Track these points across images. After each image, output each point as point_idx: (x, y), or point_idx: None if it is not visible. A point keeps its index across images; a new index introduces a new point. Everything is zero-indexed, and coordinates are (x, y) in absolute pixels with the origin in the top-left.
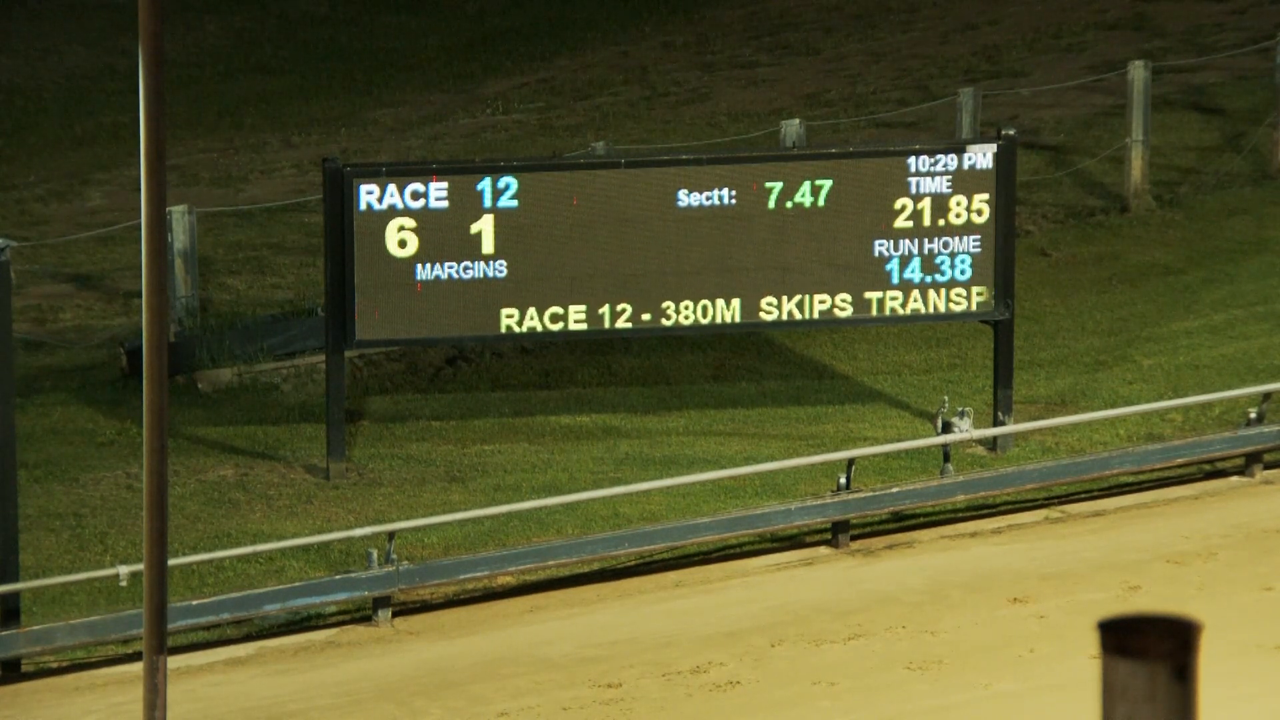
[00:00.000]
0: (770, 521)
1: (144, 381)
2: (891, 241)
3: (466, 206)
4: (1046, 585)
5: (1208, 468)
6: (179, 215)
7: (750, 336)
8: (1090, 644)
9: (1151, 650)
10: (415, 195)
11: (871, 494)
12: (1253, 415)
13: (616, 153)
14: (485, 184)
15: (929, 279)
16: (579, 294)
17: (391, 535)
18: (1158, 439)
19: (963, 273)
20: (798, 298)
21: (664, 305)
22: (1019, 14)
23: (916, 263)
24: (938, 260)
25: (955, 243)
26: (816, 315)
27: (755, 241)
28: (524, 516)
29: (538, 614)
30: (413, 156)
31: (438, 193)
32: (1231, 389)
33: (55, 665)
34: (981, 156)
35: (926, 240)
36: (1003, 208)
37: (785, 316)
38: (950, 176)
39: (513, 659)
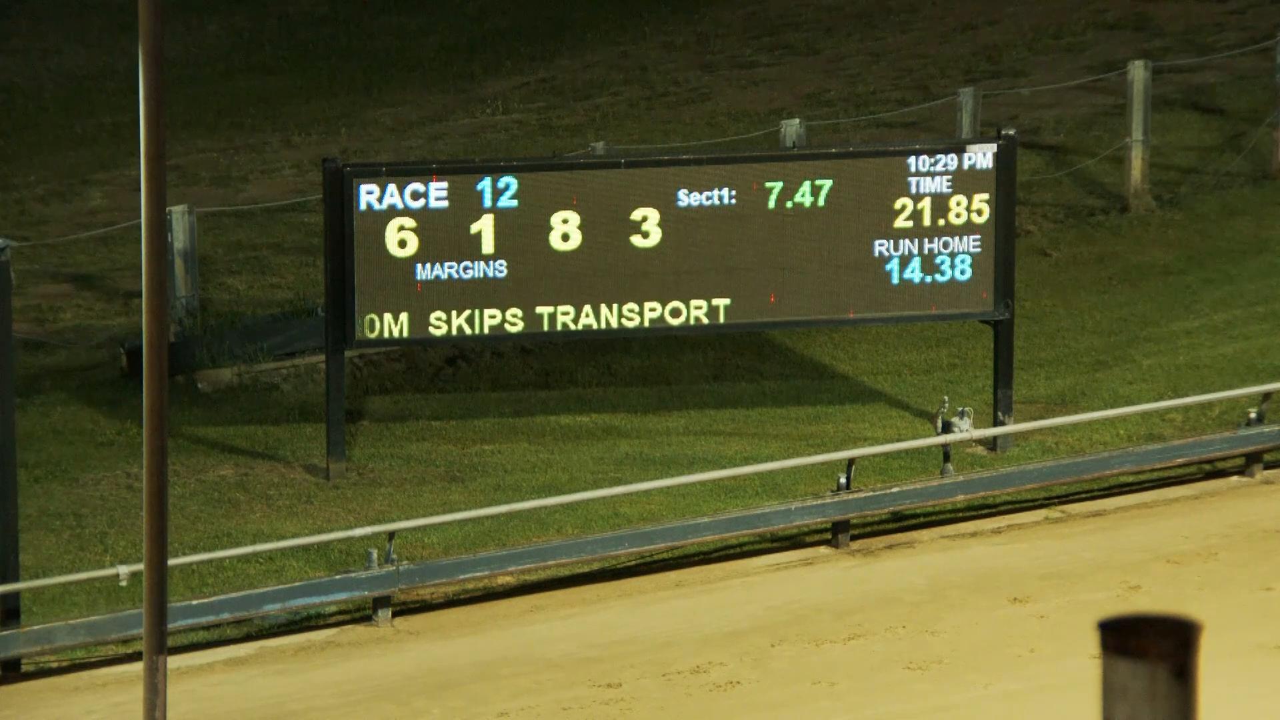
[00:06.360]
0: (770, 521)
1: (144, 381)
2: (891, 241)
3: (466, 206)
4: (1046, 585)
5: (1208, 468)
6: (179, 215)
7: (750, 336)
8: (1090, 644)
9: (1151, 650)
10: (415, 195)
11: (871, 494)
12: (1253, 415)
13: (616, 153)
14: (485, 184)
15: (929, 279)
16: (579, 294)
17: (391, 535)
18: (1158, 439)
19: (963, 273)
20: (797, 298)
21: (664, 305)
22: (1019, 14)
23: (916, 263)
24: (938, 260)
25: (955, 243)
26: (816, 315)
27: (755, 241)
28: (524, 516)
29: (538, 614)
30: (413, 156)
31: (438, 193)
32: (1231, 389)
33: (55, 665)
34: (981, 156)
35: (926, 240)
36: (1003, 208)
37: (785, 317)
38: (950, 176)
39: (513, 659)
